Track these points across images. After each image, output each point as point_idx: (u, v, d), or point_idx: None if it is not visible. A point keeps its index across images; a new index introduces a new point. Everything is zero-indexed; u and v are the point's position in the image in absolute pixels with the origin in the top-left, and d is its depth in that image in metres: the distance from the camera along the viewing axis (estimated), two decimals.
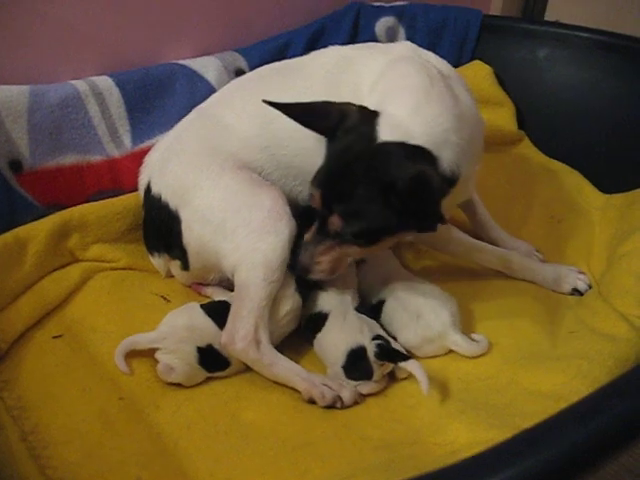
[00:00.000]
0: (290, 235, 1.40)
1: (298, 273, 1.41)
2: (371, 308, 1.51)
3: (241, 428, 1.29)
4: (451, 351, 1.44)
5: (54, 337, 1.44)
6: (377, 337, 1.39)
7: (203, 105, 1.64)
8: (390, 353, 1.36)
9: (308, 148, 1.49)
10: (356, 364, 1.36)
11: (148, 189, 1.55)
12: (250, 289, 1.38)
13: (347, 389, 1.34)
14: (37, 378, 1.35)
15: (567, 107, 2.07)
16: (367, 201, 1.27)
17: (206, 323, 1.39)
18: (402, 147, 1.27)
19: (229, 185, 1.45)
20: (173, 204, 1.49)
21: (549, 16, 2.69)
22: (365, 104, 1.36)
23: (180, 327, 1.37)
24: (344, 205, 1.29)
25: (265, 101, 1.31)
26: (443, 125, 1.31)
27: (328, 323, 1.44)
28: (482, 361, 1.43)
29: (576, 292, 1.63)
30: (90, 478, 1.18)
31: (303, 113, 1.34)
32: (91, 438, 1.24)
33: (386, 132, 1.28)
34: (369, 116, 1.31)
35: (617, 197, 1.91)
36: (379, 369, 1.35)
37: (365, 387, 1.36)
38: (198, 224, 1.46)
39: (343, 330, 1.41)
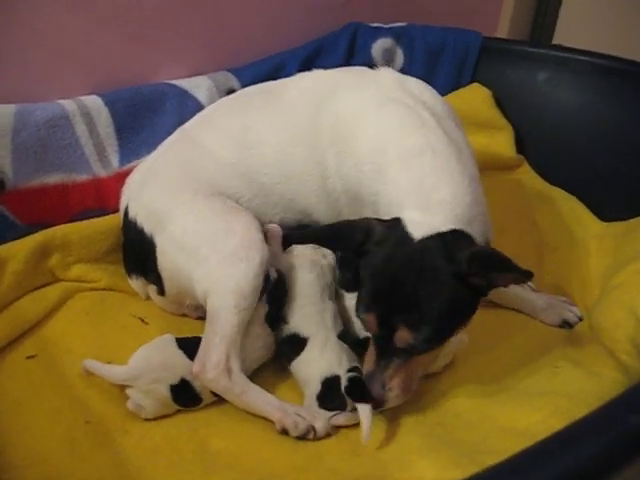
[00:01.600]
0: (262, 262, 1.39)
1: (374, 407, 1.29)
2: (359, 342, 1.46)
3: (207, 457, 1.27)
4: (428, 380, 1.40)
5: (28, 357, 1.44)
6: (353, 369, 1.35)
7: (186, 125, 1.64)
8: (358, 390, 1.30)
9: (289, 176, 1.50)
10: (331, 394, 1.34)
11: (126, 212, 1.55)
12: (221, 316, 1.36)
13: (320, 420, 1.31)
14: (7, 398, 1.35)
15: (567, 131, 2.03)
16: (433, 300, 1.21)
17: (180, 357, 1.36)
18: (441, 237, 1.24)
19: (201, 211, 1.45)
20: (148, 229, 1.49)
21: (557, 39, 2.66)
22: (347, 143, 1.41)
23: (154, 365, 1.33)
24: (409, 315, 1.22)
25: (285, 235, 1.39)
26: (463, 203, 1.30)
27: (307, 348, 1.41)
28: (460, 393, 1.39)
29: (566, 324, 1.59)
30: None
31: (327, 237, 1.35)
32: (53, 463, 1.23)
33: (418, 230, 1.25)
34: (394, 222, 1.28)
35: (615, 225, 1.87)
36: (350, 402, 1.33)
37: (340, 418, 1.33)
38: (172, 249, 1.46)
39: (323, 357, 1.39)
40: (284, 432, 1.30)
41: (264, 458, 1.27)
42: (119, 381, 1.33)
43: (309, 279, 1.48)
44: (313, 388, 1.36)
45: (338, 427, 1.33)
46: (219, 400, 1.37)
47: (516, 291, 1.61)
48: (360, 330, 1.45)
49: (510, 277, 1.24)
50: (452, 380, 1.43)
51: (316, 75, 1.59)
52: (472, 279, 1.22)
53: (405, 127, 1.41)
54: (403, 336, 1.23)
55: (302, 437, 1.30)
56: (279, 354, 1.46)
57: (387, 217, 1.31)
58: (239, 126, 1.56)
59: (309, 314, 1.45)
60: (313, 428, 1.30)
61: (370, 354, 1.31)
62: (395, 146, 1.39)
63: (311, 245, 1.51)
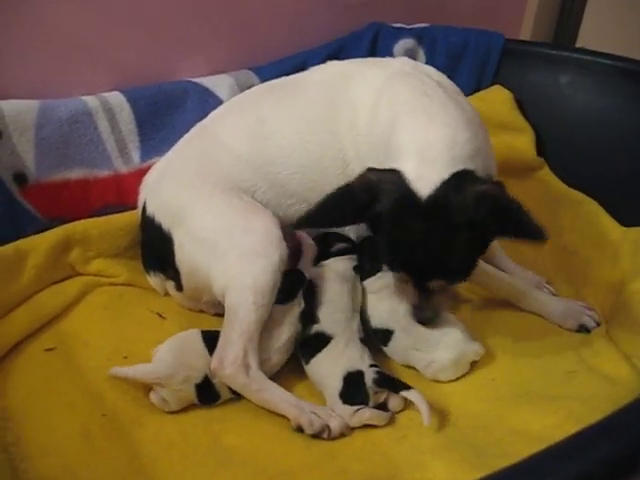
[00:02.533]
0: (280, 259, 1.40)
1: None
2: (374, 332, 1.50)
3: (221, 452, 1.28)
4: (446, 384, 1.42)
5: (47, 350, 1.46)
6: (373, 365, 1.37)
7: (202, 122, 1.65)
8: (390, 381, 1.35)
9: (307, 165, 1.51)
10: (353, 389, 1.35)
11: (144, 208, 1.56)
12: (239, 313, 1.37)
13: (336, 419, 1.31)
14: (25, 390, 1.37)
15: (589, 135, 2.01)
16: (455, 250, 1.28)
17: (204, 355, 1.37)
18: (445, 187, 1.26)
19: (220, 207, 1.46)
20: (166, 224, 1.50)
21: (581, 41, 2.64)
22: (363, 124, 1.44)
23: (185, 364, 1.34)
24: (437, 270, 1.32)
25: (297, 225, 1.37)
26: (460, 140, 1.31)
27: (331, 345, 1.42)
28: (475, 396, 1.40)
29: (583, 329, 1.57)
30: None
31: (330, 211, 1.32)
32: (69, 454, 1.25)
33: (423, 187, 1.26)
34: (395, 176, 1.28)
35: (635, 230, 1.84)
36: (374, 396, 1.34)
37: (365, 413, 1.32)
38: (190, 245, 1.46)
39: (343, 355, 1.40)
40: (299, 429, 1.31)
41: (277, 455, 1.28)
42: (151, 381, 1.33)
43: (341, 290, 1.50)
44: (335, 385, 1.36)
45: (356, 427, 1.33)
46: (236, 397, 1.37)
47: (534, 294, 1.61)
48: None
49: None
50: (467, 382, 1.44)
51: (331, 66, 1.61)
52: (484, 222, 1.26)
53: (414, 94, 1.42)
54: (437, 284, 1.36)
55: (317, 435, 1.30)
56: (300, 353, 1.46)
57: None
58: (254, 119, 1.57)
59: (338, 319, 1.47)
60: (328, 427, 1.30)
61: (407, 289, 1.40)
62: (405, 112, 1.39)
63: (342, 258, 1.55)
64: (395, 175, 1.29)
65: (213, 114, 1.66)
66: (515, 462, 0.88)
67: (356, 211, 1.31)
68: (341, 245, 1.58)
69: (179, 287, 1.54)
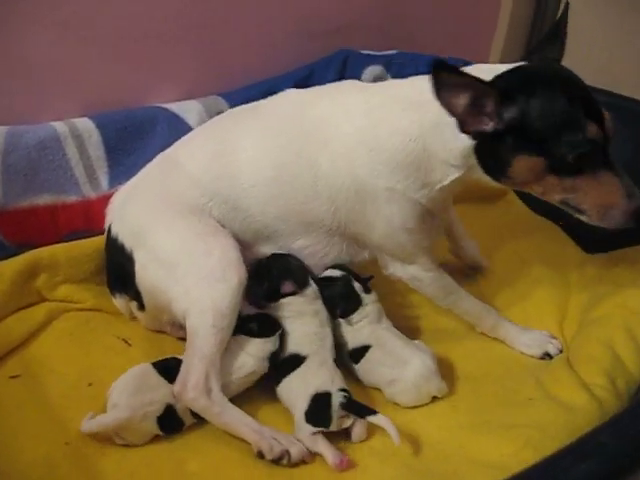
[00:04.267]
0: (239, 282, 1.42)
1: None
2: (351, 352, 1.53)
3: (184, 478, 1.29)
4: (406, 410, 1.45)
5: (11, 377, 1.46)
6: (343, 390, 1.39)
7: (167, 150, 1.67)
8: (357, 406, 1.37)
9: (266, 178, 1.53)
10: (318, 410, 1.37)
11: (109, 231, 1.58)
12: (200, 336, 1.39)
13: (296, 445, 1.33)
14: None
15: None
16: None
17: (162, 385, 1.38)
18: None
19: (181, 231, 1.48)
20: (128, 245, 1.51)
21: None
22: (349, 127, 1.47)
23: (140, 402, 1.34)
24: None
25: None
26: None
27: (305, 364, 1.45)
28: (436, 424, 1.42)
29: (547, 356, 1.60)
30: None
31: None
32: None
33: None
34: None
35: (598, 257, 1.89)
36: (337, 420, 1.35)
37: (319, 444, 1.34)
38: (151, 266, 1.48)
39: (317, 375, 1.42)
40: (260, 455, 1.32)
41: None
42: (113, 429, 1.32)
43: (310, 310, 1.52)
44: (302, 405, 1.38)
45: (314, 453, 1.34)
46: (198, 422, 1.38)
47: (501, 322, 1.64)
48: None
49: None
50: (429, 410, 1.46)
51: (291, 92, 1.65)
52: None
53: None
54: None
55: (276, 461, 1.31)
56: (274, 375, 1.47)
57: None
58: (214, 140, 1.60)
59: (311, 338, 1.49)
60: (288, 453, 1.32)
61: (598, 187, 1.31)
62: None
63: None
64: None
65: (179, 142, 1.68)
66: None
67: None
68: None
69: (141, 306, 1.56)
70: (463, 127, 1.28)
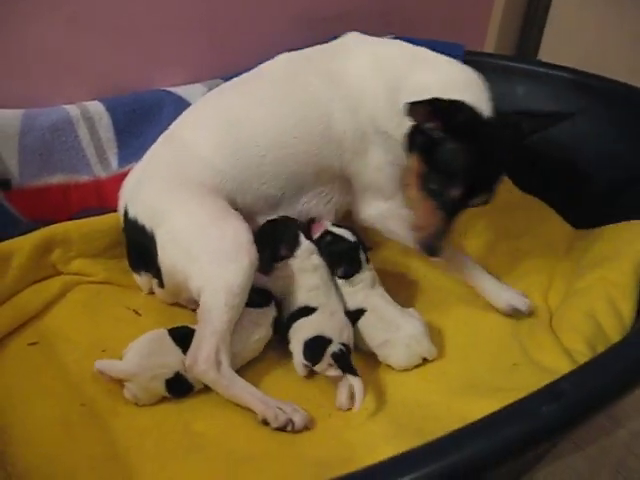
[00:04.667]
0: (250, 263, 1.49)
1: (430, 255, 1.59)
2: (347, 313, 1.61)
3: (190, 438, 1.38)
4: (399, 375, 1.55)
5: (29, 344, 1.55)
6: (345, 345, 1.50)
7: (170, 127, 1.73)
8: (345, 361, 1.47)
9: (286, 141, 1.65)
10: (313, 348, 1.49)
11: (126, 213, 1.64)
12: (212, 313, 1.46)
13: (300, 414, 1.41)
14: (9, 382, 1.46)
15: (542, 143, 2.10)
16: (505, 163, 1.56)
17: (174, 352, 1.46)
18: (499, 113, 1.54)
19: (196, 212, 1.55)
20: (149, 225, 1.57)
21: (542, 54, 2.75)
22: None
23: (151, 364, 1.42)
24: (492, 181, 1.54)
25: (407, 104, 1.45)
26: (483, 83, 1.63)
27: (316, 313, 1.55)
28: (427, 388, 1.51)
29: (515, 311, 1.69)
30: (45, 476, 1.28)
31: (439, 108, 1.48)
32: (51, 441, 1.34)
33: (484, 110, 1.52)
34: (461, 105, 1.49)
35: (584, 232, 1.98)
36: (325, 365, 1.47)
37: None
38: (169, 245, 1.55)
39: (328, 324, 1.53)
40: (265, 423, 1.40)
41: (242, 442, 1.38)
42: (120, 377, 1.42)
43: (310, 266, 1.63)
44: (305, 336, 1.51)
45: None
46: (206, 387, 1.46)
47: (479, 271, 1.74)
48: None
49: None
50: (420, 375, 1.55)
51: (283, 55, 1.77)
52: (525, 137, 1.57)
53: (401, 51, 1.72)
54: (483, 199, 1.56)
55: (281, 429, 1.39)
56: (284, 326, 1.58)
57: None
58: (216, 112, 1.68)
59: (316, 292, 1.60)
60: (292, 421, 1.39)
61: (429, 216, 1.56)
62: (406, 62, 1.67)
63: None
64: (460, 102, 1.50)
65: (179, 119, 1.74)
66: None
67: (439, 115, 1.47)
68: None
69: (161, 284, 1.62)
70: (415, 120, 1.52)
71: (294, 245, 1.63)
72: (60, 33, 1.80)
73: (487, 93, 1.57)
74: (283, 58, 1.76)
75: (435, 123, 1.48)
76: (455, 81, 1.59)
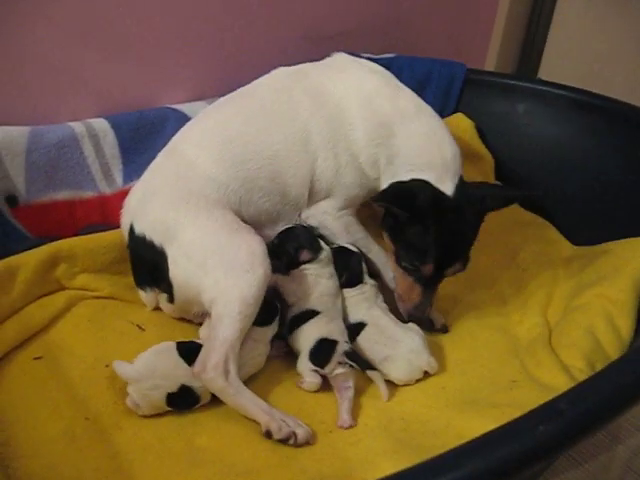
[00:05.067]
0: (265, 274, 1.51)
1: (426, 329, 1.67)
2: (348, 328, 1.64)
3: (192, 452, 1.39)
4: (399, 389, 1.56)
5: (35, 358, 1.56)
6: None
7: (169, 145, 1.75)
8: (359, 358, 1.54)
9: (272, 156, 1.69)
10: (321, 351, 1.53)
11: (132, 230, 1.64)
12: (224, 321, 1.47)
13: (302, 428, 1.42)
14: (14, 395, 1.47)
15: (543, 161, 2.15)
16: (472, 237, 1.65)
17: (181, 366, 1.47)
18: (461, 189, 1.62)
19: (207, 225, 1.57)
20: (158, 240, 1.58)
21: (543, 73, 2.78)
22: (332, 107, 1.71)
23: (155, 374, 1.44)
24: (461, 254, 1.64)
25: (373, 198, 1.61)
26: (458, 152, 1.69)
27: (317, 317, 1.60)
28: (426, 403, 1.52)
29: (429, 323, 1.73)
30: None
31: (393, 197, 1.61)
32: (55, 454, 1.35)
33: (447, 188, 1.61)
34: (424, 185, 1.60)
35: (583, 249, 2.00)
36: (334, 364, 1.50)
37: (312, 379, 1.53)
38: (181, 260, 1.56)
39: (327, 326, 1.58)
40: (268, 434, 1.40)
41: (244, 455, 1.38)
42: (124, 378, 1.44)
43: (327, 273, 1.69)
44: (310, 344, 1.55)
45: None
46: (211, 401, 1.48)
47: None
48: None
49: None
50: (419, 390, 1.56)
51: (278, 70, 1.82)
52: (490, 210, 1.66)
53: (389, 91, 1.73)
54: (455, 269, 1.64)
55: (283, 441, 1.40)
56: (287, 328, 1.63)
57: (389, 168, 1.69)
58: (215, 126, 1.71)
59: (325, 299, 1.65)
60: (295, 434, 1.40)
61: (409, 290, 1.66)
62: (391, 107, 1.70)
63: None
64: (422, 182, 1.60)
65: (177, 134, 1.76)
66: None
67: (401, 203, 1.58)
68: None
69: (171, 299, 1.64)
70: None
71: (318, 249, 1.68)
72: (65, 51, 1.83)
73: (455, 165, 1.65)
74: (278, 73, 1.81)
75: (400, 211, 1.58)
76: (427, 154, 1.65)
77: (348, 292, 1.70)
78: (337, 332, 1.57)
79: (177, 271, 1.58)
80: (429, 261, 1.59)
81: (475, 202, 1.62)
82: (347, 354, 1.51)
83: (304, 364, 1.54)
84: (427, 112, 1.73)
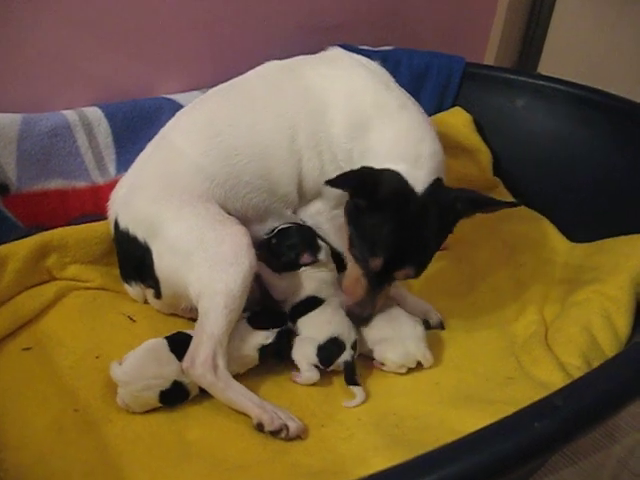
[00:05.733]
0: (250, 266, 1.49)
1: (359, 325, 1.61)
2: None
3: (183, 446, 1.37)
4: (392, 384, 1.56)
5: (24, 349, 1.55)
6: (354, 344, 1.55)
7: (157, 136, 1.74)
8: (352, 372, 1.53)
9: (259, 152, 1.66)
10: (329, 352, 1.52)
11: (116, 224, 1.64)
12: (211, 316, 1.46)
13: (294, 421, 1.41)
14: (2, 386, 1.45)
15: (542, 156, 2.14)
16: (435, 242, 1.54)
17: (172, 362, 1.45)
18: (433, 188, 1.50)
19: (190, 219, 1.55)
20: (142, 236, 1.57)
21: (542, 67, 2.77)
22: (319, 102, 1.65)
23: (148, 374, 1.42)
24: (416, 257, 1.52)
25: (327, 181, 1.46)
26: (439, 151, 1.58)
27: (323, 306, 1.59)
28: (420, 399, 1.51)
29: (426, 324, 1.69)
30: None
31: (353, 182, 1.50)
32: (43, 445, 1.34)
33: (417, 184, 1.49)
34: (394, 175, 1.50)
35: (581, 246, 1.99)
36: (335, 366, 1.53)
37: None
38: (166, 255, 1.55)
39: (334, 318, 1.57)
40: (260, 427, 1.39)
41: (235, 450, 1.37)
42: (115, 380, 1.42)
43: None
44: (320, 337, 1.54)
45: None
46: (201, 394, 1.46)
47: (401, 289, 1.75)
48: None
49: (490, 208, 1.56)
50: (413, 386, 1.55)
51: (270, 63, 1.79)
52: (460, 217, 1.53)
53: (375, 88, 1.65)
54: (406, 272, 1.54)
55: (275, 433, 1.39)
56: (289, 316, 1.61)
57: (362, 162, 1.56)
58: (203, 120, 1.69)
59: (328, 285, 1.65)
60: (286, 427, 1.39)
61: (354, 283, 1.57)
62: (373, 103, 1.62)
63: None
64: (393, 173, 1.50)
65: (167, 124, 1.75)
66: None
67: (366, 194, 1.48)
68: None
69: (158, 294, 1.63)
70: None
71: (317, 249, 1.66)
72: (59, 38, 1.81)
73: (431, 163, 1.53)
74: (269, 66, 1.78)
75: (358, 196, 1.51)
76: (401, 147, 1.56)
77: None
78: (345, 326, 1.56)
79: (162, 266, 1.57)
80: (378, 255, 1.50)
81: (444, 205, 1.50)
82: (346, 364, 1.52)
83: (307, 355, 1.52)
84: (411, 110, 1.64)
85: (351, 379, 1.52)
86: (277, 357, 1.56)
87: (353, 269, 1.59)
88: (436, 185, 1.52)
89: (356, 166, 1.56)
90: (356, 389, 1.50)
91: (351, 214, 1.57)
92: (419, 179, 1.50)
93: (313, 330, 1.56)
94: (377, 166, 1.52)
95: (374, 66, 1.76)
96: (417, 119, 1.62)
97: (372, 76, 1.68)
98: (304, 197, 1.73)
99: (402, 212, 1.47)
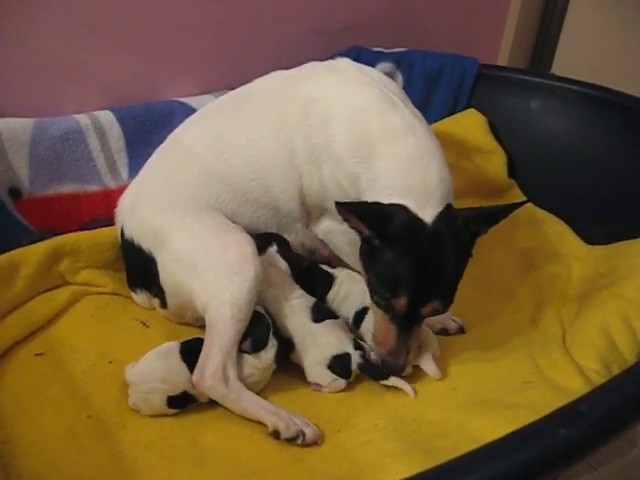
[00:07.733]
0: (256, 275, 1.48)
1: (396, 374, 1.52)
2: (354, 315, 1.64)
3: (197, 452, 1.36)
4: (404, 395, 1.52)
5: (36, 354, 1.54)
6: (359, 347, 1.53)
7: (165, 142, 1.73)
8: (372, 369, 1.51)
9: (260, 170, 1.62)
10: (340, 367, 1.51)
11: (122, 233, 1.64)
12: (219, 327, 1.44)
13: (311, 427, 1.39)
14: (15, 392, 1.45)
15: (557, 157, 2.12)
16: (455, 271, 1.44)
17: (182, 370, 1.44)
18: (444, 216, 1.43)
19: (195, 229, 1.54)
20: (146, 246, 1.57)
21: (557, 67, 2.75)
22: (321, 121, 1.55)
23: (155, 377, 1.41)
24: (439, 290, 1.43)
25: (337, 204, 1.39)
26: (448, 178, 1.49)
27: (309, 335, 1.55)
28: (437, 404, 1.49)
29: (444, 332, 1.68)
30: None
31: (365, 214, 1.42)
32: (57, 452, 1.33)
33: (426, 215, 1.41)
34: (402, 210, 1.42)
35: (598, 249, 1.97)
36: (355, 373, 1.52)
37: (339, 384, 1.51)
38: (172, 265, 1.54)
39: (325, 339, 1.54)
40: (276, 434, 1.37)
41: (249, 456, 1.36)
42: (126, 377, 1.42)
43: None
44: (324, 360, 1.52)
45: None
46: (213, 401, 1.44)
47: None
48: None
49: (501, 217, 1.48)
50: (430, 391, 1.52)
51: (275, 74, 1.72)
52: (476, 237, 1.47)
53: (381, 107, 1.54)
54: (434, 306, 1.44)
55: (292, 440, 1.37)
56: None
57: (369, 191, 1.49)
58: (212, 133, 1.67)
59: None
60: (303, 433, 1.37)
61: (384, 331, 1.48)
62: (377, 122, 1.52)
63: None
64: (400, 207, 1.42)
65: (173, 134, 1.73)
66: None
67: (377, 228, 1.41)
68: None
69: (164, 305, 1.62)
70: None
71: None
72: (71, 42, 1.80)
73: (440, 192, 1.45)
74: (274, 77, 1.72)
75: (369, 231, 1.42)
76: (408, 178, 1.46)
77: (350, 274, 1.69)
78: (344, 341, 1.53)
79: (167, 276, 1.56)
80: (400, 294, 1.41)
81: (458, 231, 1.43)
82: (359, 366, 1.49)
83: (323, 374, 1.51)
84: (418, 132, 1.51)
85: (378, 376, 1.50)
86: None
87: (379, 317, 1.51)
88: (445, 212, 1.44)
89: (364, 193, 1.51)
90: (395, 381, 1.50)
91: (366, 258, 1.49)
92: (427, 211, 1.42)
93: (315, 357, 1.53)
94: (385, 197, 1.45)
95: (383, 79, 1.67)
96: (424, 143, 1.50)
97: (379, 92, 1.57)
98: (312, 213, 1.69)
99: (415, 246, 1.40)
